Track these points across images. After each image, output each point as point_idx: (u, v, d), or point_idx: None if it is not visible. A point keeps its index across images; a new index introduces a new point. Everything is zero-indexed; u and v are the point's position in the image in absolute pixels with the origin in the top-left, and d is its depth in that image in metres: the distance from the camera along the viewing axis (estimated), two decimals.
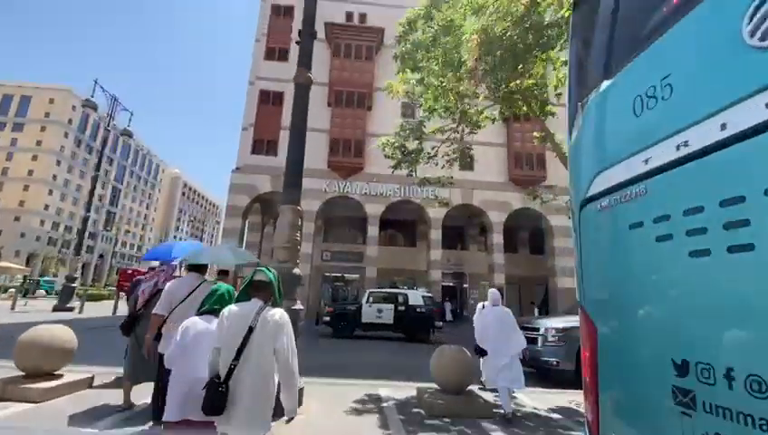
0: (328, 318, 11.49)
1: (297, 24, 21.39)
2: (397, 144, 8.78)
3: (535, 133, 9.49)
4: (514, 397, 5.08)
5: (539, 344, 6.52)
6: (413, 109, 20.35)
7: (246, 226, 23.46)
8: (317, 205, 18.82)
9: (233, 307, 2.03)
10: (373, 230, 18.99)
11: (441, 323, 11.98)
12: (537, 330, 6.69)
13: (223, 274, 4.83)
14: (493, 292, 4.91)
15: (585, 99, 1.59)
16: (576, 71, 1.81)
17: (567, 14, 7.26)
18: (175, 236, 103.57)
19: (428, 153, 9.16)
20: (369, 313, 11.45)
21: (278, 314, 2.01)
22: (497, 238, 19.35)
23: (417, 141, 8.95)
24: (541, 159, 19.92)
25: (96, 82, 16.16)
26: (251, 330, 1.91)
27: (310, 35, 5.48)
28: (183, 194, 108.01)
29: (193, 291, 3.41)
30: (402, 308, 11.55)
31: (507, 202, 19.77)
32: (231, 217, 18.42)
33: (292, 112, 5.35)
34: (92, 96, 16.02)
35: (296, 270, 4.64)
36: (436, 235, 19.18)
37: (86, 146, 71.28)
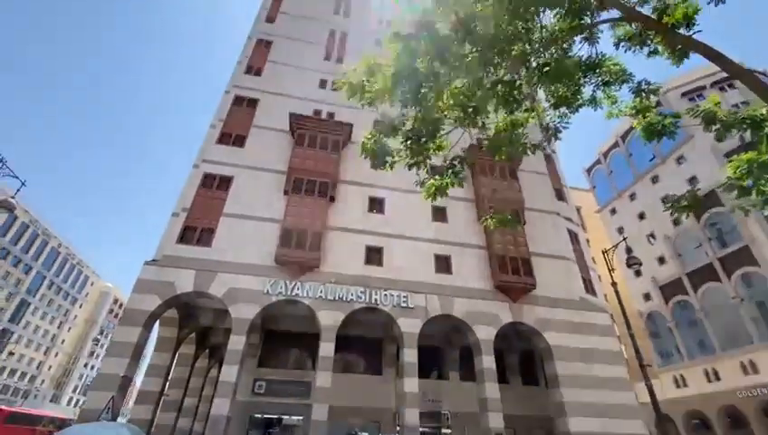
0: None
1: (261, 114, 20.13)
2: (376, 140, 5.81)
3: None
4: None
5: None
6: (381, 204, 18.06)
7: (176, 358, 17.60)
8: (254, 311, 14.15)
9: None
10: (327, 349, 14.15)
11: None
12: None
13: None
14: None
15: None
16: None
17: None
18: (86, 365, 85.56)
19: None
20: None
21: None
22: (488, 362, 15.02)
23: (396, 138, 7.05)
24: (526, 263, 17.29)
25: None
26: None
27: None
28: (110, 311, 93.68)
29: None
30: None
31: (495, 314, 16.14)
32: (126, 325, 13.09)
33: None
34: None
35: None
36: (410, 355, 14.58)
37: (2, 250, 61.94)
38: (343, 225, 17.08)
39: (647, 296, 38.40)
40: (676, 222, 37.51)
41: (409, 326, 15.06)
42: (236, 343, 13.50)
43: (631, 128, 41.91)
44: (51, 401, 74.45)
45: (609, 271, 14.92)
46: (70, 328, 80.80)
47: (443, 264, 17.21)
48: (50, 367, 76.24)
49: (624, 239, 15.04)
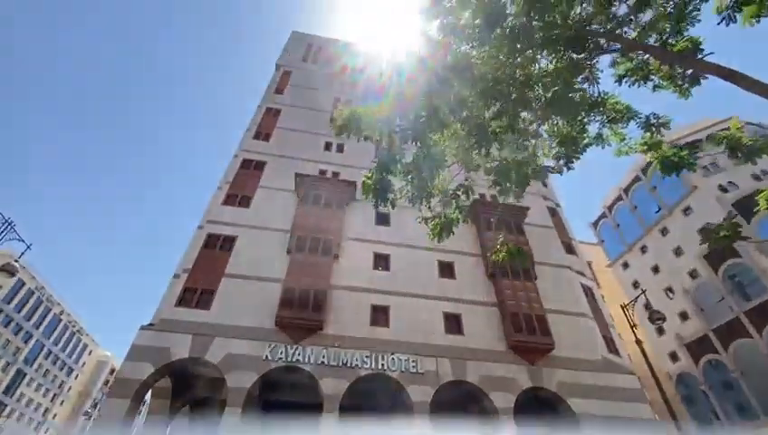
0: None
1: (267, 175, 20.70)
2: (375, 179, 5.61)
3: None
4: None
5: None
6: (387, 260, 17.70)
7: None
8: (251, 379, 13.19)
9: None
10: (329, 422, 12.91)
11: None
12: None
13: None
14: None
15: None
16: None
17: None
18: None
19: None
20: None
21: None
22: (509, 432, 13.50)
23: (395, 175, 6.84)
24: (542, 321, 16.32)
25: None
26: None
27: None
28: (106, 382, 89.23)
29: None
30: None
31: (513, 379, 14.88)
32: (115, 397, 12.18)
33: None
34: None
35: None
36: (423, 429, 13.19)
37: (5, 317, 60.95)
38: (347, 283, 16.58)
39: (673, 356, 35.83)
40: (693, 275, 36.19)
41: (421, 395, 13.85)
42: (232, 415, 12.39)
43: (634, 181, 42.39)
44: None
45: (632, 327, 13.97)
46: (62, 402, 76.55)
47: (453, 323, 16.32)
48: None
49: (643, 292, 14.27)
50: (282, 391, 16.21)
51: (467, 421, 16.66)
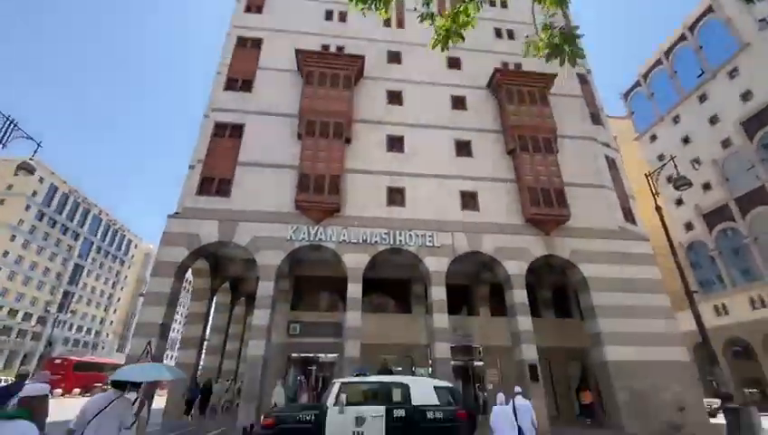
0: None
1: (266, 54, 18.90)
2: None
3: None
4: None
5: None
6: (401, 142, 17.06)
7: (213, 306, 18.51)
8: (279, 258, 14.13)
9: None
10: (355, 290, 14.14)
11: None
12: None
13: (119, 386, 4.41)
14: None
15: None
16: None
17: None
18: None
19: None
20: (341, 425, 6.28)
21: None
22: (519, 296, 14.63)
23: None
24: (560, 194, 16.17)
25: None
26: None
27: None
28: None
29: (106, 407, 3.91)
30: (401, 413, 6.43)
31: (526, 249, 15.46)
32: (158, 276, 13.43)
33: None
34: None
35: None
36: (439, 293, 14.38)
37: (49, 219, 65.99)
38: (362, 166, 16.35)
39: (688, 226, 36.44)
40: (726, 144, 34.34)
41: (436, 265, 14.72)
42: (265, 288, 13.66)
43: (679, 40, 37.35)
44: (117, 350, 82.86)
45: (654, 195, 13.68)
46: (122, 287, 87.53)
47: (469, 201, 16.38)
48: (111, 322, 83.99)
49: (672, 158, 13.55)
50: (310, 268, 17.58)
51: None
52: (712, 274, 34.39)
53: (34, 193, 62.37)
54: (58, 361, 30.80)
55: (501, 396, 7.29)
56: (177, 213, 14.54)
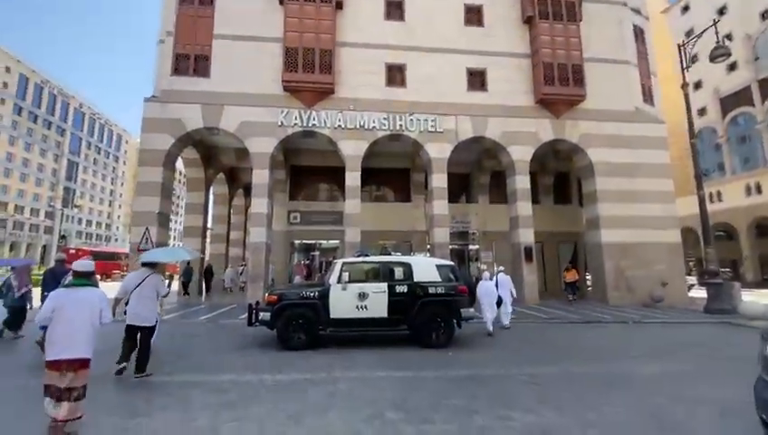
0: (267, 315, 6.38)
1: None
2: None
3: None
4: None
5: None
6: (400, 7, 14.69)
7: (212, 197, 18.20)
8: (271, 145, 13.32)
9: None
10: (353, 178, 13.69)
11: (472, 309, 7.00)
12: None
13: (149, 265, 5.23)
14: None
15: None
16: None
17: None
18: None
19: None
20: (344, 301, 6.42)
21: None
22: (522, 182, 14.29)
23: None
24: (578, 71, 14.56)
25: None
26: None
27: None
28: None
29: (143, 281, 4.91)
30: (403, 289, 6.54)
31: (534, 133, 14.56)
32: (147, 165, 12.81)
33: None
34: None
35: None
36: (439, 180, 13.98)
37: (29, 114, 62.46)
38: (357, 39, 14.33)
39: (701, 112, 34.69)
40: (766, 15, 30.40)
41: (438, 152, 14.00)
42: (260, 176, 13.19)
43: None
44: (130, 241, 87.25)
45: (683, 69, 12.29)
46: (122, 183, 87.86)
47: (477, 80, 14.82)
48: (119, 216, 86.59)
49: (716, 23, 11.73)
50: (306, 157, 16.91)
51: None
52: (713, 162, 34.12)
53: (5, 85, 57.70)
54: (73, 251, 32.30)
55: (486, 274, 8.61)
56: (153, 96, 13.18)
